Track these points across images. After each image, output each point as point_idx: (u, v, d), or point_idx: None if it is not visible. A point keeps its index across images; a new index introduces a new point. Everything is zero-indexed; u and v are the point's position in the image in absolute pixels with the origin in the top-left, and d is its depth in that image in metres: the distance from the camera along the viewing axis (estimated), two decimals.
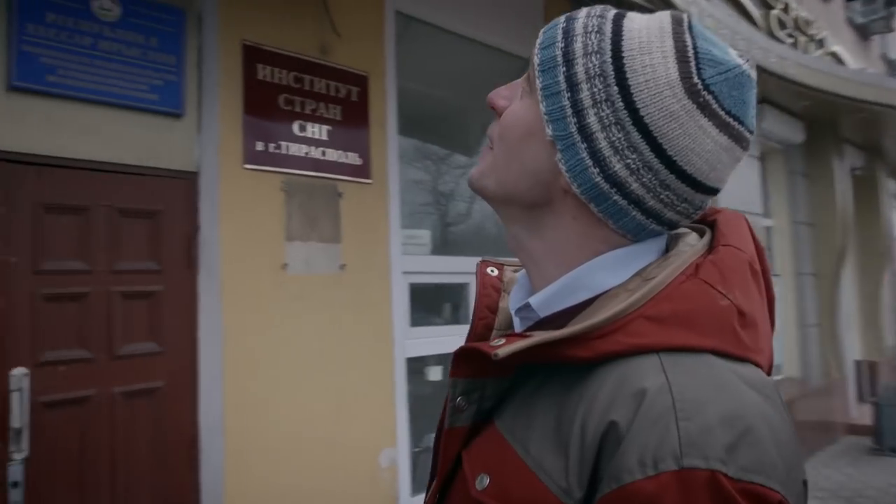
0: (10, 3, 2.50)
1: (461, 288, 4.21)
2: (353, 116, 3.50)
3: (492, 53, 4.38)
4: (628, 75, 0.62)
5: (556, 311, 0.69)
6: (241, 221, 3.05)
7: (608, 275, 0.67)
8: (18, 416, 2.40)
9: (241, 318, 3.02)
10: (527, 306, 0.72)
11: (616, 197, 0.64)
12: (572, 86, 0.64)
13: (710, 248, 0.68)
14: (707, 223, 0.73)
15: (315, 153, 3.34)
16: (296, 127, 3.28)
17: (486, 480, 0.64)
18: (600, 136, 0.63)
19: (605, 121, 0.62)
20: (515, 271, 0.85)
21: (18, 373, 2.43)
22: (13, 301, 2.46)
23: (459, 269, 4.03)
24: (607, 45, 0.64)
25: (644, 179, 0.63)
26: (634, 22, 0.66)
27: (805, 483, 0.59)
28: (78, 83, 2.65)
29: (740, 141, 0.65)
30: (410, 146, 4.03)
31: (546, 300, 0.70)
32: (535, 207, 0.70)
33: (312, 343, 3.24)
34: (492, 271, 0.87)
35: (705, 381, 0.57)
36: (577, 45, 0.65)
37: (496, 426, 0.67)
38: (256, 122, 3.13)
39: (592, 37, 0.65)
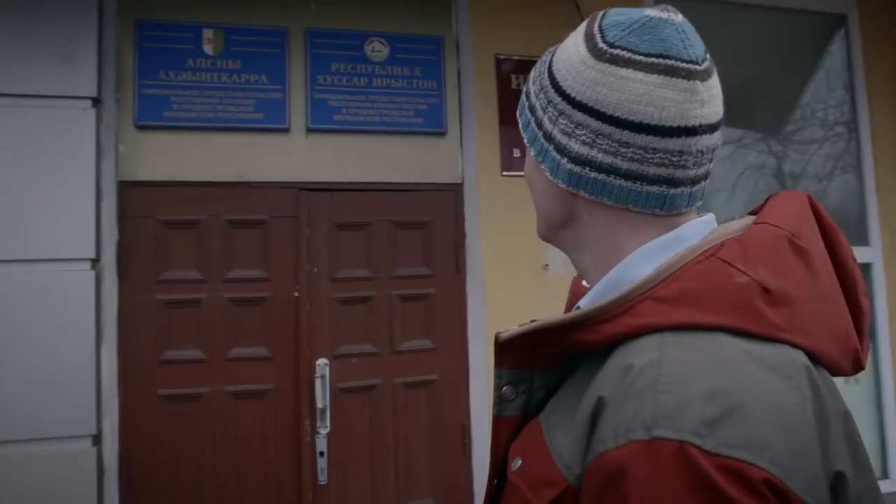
0: (305, 61, 3.06)
1: None
2: None
3: (789, 17, 3.84)
4: (556, 75, 0.72)
5: None
6: (502, 226, 3.24)
7: (644, 265, 0.68)
8: (321, 398, 2.93)
9: (504, 317, 3.19)
10: (578, 309, 0.74)
11: (594, 174, 0.68)
12: (532, 109, 0.75)
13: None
14: None
15: None
16: None
17: (519, 462, 0.69)
18: (555, 130, 0.71)
19: (553, 116, 0.71)
20: None
21: (322, 363, 2.96)
22: (316, 304, 3.01)
23: None
24: (545, 68, 0.75)
25: (604, 146, 0.67)
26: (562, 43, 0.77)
27: (840, 475, 0.55)
28: (357, 118, 3.12)
29: (673, 73, 0.66)
30: None
31: (592, 301, 0.73)
32: (566, 223, 0.76)
33: None
34: (585, 283, 0.92)
35: (702, 357, 0.57)
36: (530, 82, 0.78)
37: (539, 416, 0.72)
38: (512, 131, 3.29)
39: (537, 68, 0.78)
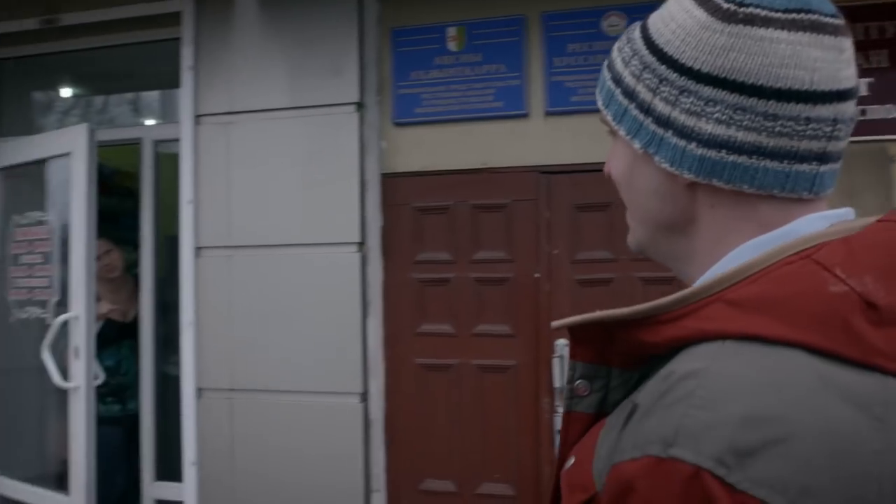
0: (542, 46, 3.10)
1: None
2: None
3: None
4: (665, 48, 0.62)
5: None
6: None
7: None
8: (559, 377, 2.99)
9: None
10: None
11: (733, 157, 0.59)
12: (630, 94, 0.65)
13: None
14: None
15: None
16: None
17: (571, 461, 0.67)
18: (675, 112, 0.61)
19: (669, 96, 0.62)
20: None
21: (560, 343, 3.02)
22: (556, 285, 3.07)
23: None
24: (640, 43, 0.65)
25: (745, 122, 0.58)
26: (654, 14, 0.68)
27: None
28: (593, 98, 3.06)
29: (819, 29, 0.58)
30: None
31: None
32: (679, 225, 0.68)
33: None
34: None
35: (758, 374, 0.48)
36: (618, 64, 0.68)
37: (607, 417, 0.67)
38: None
39: (626, 49, 0.68)
